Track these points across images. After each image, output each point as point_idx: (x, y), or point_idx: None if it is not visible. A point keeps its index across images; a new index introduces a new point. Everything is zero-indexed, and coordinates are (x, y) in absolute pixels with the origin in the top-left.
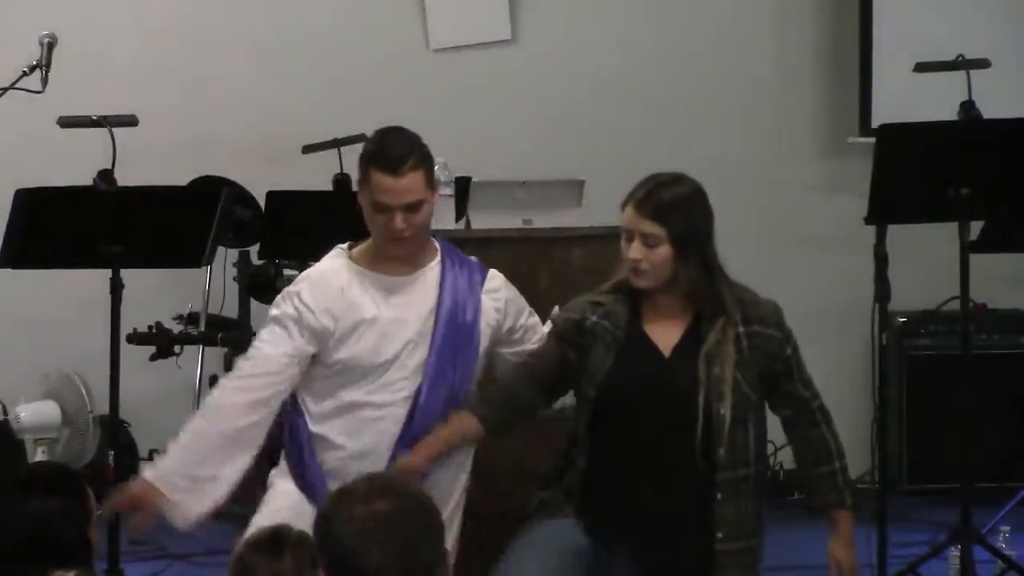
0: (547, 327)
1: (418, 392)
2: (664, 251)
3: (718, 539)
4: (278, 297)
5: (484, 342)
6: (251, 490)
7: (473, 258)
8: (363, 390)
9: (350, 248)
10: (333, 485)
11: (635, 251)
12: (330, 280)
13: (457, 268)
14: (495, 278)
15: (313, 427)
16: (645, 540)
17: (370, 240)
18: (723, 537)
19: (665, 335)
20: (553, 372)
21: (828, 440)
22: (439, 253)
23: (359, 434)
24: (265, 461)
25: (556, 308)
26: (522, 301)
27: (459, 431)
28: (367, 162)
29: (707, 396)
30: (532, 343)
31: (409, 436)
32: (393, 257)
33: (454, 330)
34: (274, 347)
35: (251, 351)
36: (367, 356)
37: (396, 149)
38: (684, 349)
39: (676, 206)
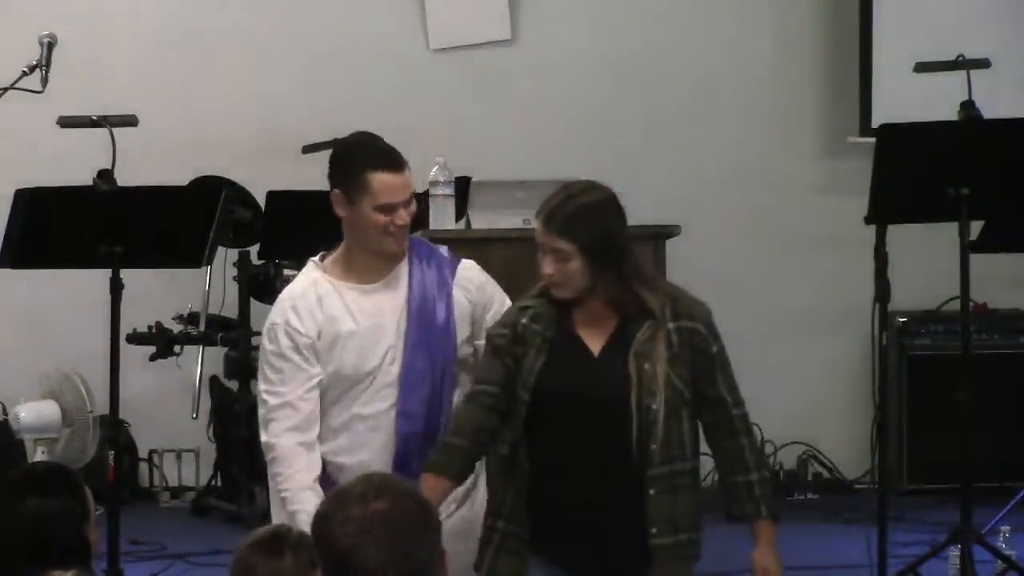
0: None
1: (398, 398)
2: (576, 264)
3: (652, 534)
4: (266, 334)
5: (462, 334)
6: (238, 491)
7: (443, 248)
8: (354, 404)
9: (322, 260)
10: None
11: (548, 266)
12: (308, 296)
13: (424, 264)
14: (467, 268)
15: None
16: (583, 537)
17: (341, 250)
18: (656, 532)
19: (594, 335)
20: (505, 392)
21: (746, 450)
22: (406, 251)
23: (357, 450)
24: (245, 463)
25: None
26: (494, 289)
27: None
28: (362, 169)
29: (639, 393)
30: None
31: (400, 443)
32: (388, 256)
33: (425, 326)
34: (294, 387)
35: (275, 407)
36: (350, 368)
37: (387, 148)
38: (613, 348)
39: (583, 218)
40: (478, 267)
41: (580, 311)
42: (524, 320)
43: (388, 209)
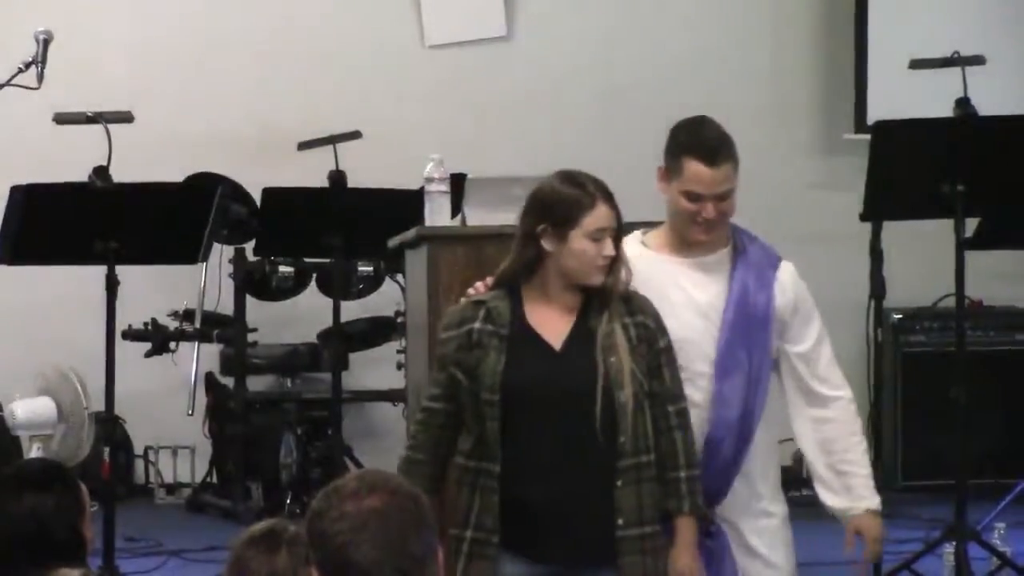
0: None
1: (713, 379)
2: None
3: (618, 525)
4: None
5: (775, 333)
6: (233, 488)
7: (766, 243)
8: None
9: (643, 235)
10: None
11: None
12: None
13: (748, 254)
14: (785, 270)
15: None
16: (554, 531)
17: (663, 226)
18: (623, 523)
19: (552, 328)
20: (454, 406)
21: (679, 446)
22: (731, 239)
23: None
24: (240, 460)
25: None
26: (804, 296)
27: None
28: (682, 151)
29: (607, 385)
30: (798, 345)
31: (716, 429)
32: (694, 243)
33: (744, 318)
34: None
35: None
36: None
37: (712, 140)
38: (575, 341)
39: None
40: (794, 272)
41: (540, 301)
42: (477, 324)
43: (694, 198)
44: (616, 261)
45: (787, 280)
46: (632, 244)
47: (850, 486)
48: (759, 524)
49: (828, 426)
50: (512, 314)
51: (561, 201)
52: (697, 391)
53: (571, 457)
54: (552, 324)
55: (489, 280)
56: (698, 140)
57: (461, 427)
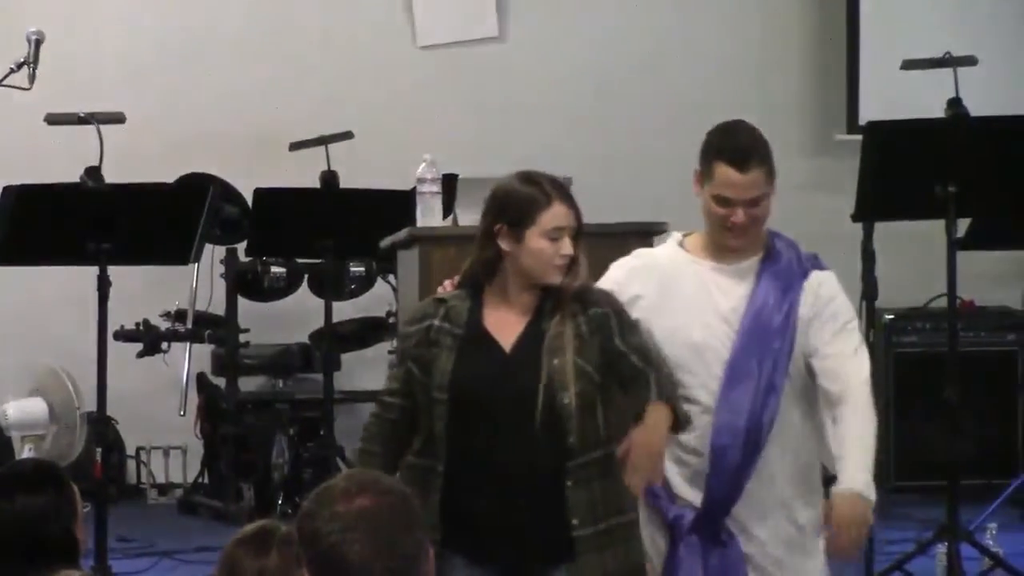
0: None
1: (720, 388)
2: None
3: (573, 525)
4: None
5: (800, 340)
6: (225, 488)
7: (809, 253)
8: (682, 379)
9: (683, 237)
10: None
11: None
12: (658, 263)
13: (779, 262)
14: (819, 278)
15: None
16: (504, 535)
17: (701, 232)
18: (578, 523)
19: (506, 330)
20: (409, 401)
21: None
22: (765, 247)
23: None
24: (232, 460)
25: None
26: (841, 304)
27: None
28: (713, 155)
29: (551, 388)
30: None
31: (720, 435)
32: (726, 248)
33: (760, 327)
34: None
35: None
36: (682, 335)
37: (743, 145)
38: (526, 344)
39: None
40: (834, 281)
41: (500, 302)
42: (436, 322)
43: (724, 202)
44: (574, 261)
45: (814, 290)
46: (669, 245)
47: (839, 468)
48: (781, 531)
49: (839, 423)
50: (469, 315)
51: (517, 200)
52: (710, 396)
53: (515, 459)
54: (507, 326)
55: (456, 278)
56: (729, 144)
57: (416, 423)
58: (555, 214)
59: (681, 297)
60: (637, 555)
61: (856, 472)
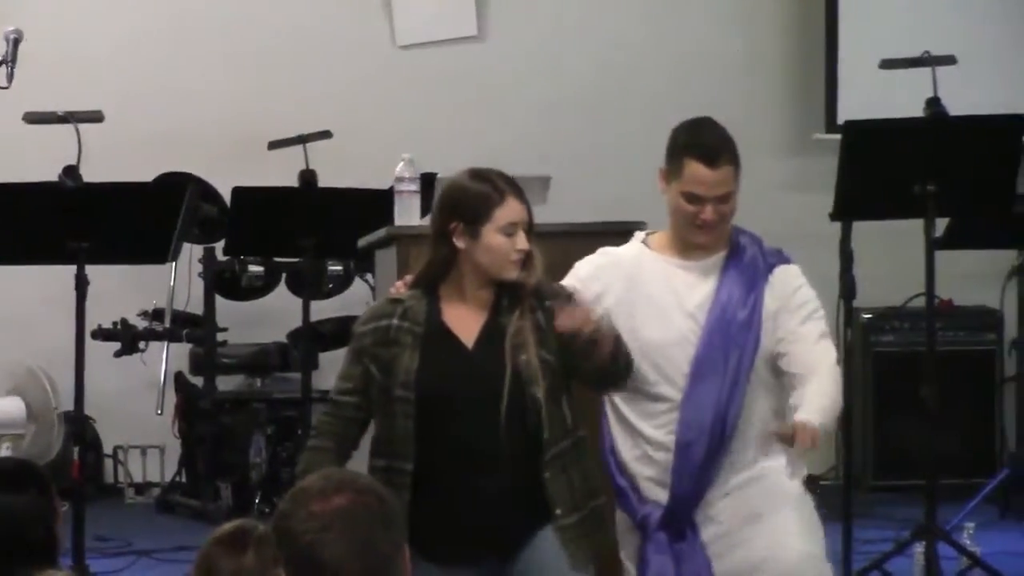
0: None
1: (687, 385)
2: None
3: (556, 515)
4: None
5: (767, 335)
6: (203, 487)
7: (773, 248)
8: (648, 375)
9: (646, 235)
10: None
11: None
12: (622, 261)
13: (743, 258)
14: (784, 271)
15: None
16: (474, 533)
17: (665, 230)
18: (561, 513)
19: (466, 327)
20: (364, 399)
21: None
22: (729, 242)
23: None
24: (210, 460)
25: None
26: (806, 294)
27: None
28: (682, 152)
29: (518, 384)
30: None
31: (686, 431)
32: (693, 245)
33: (726, 322)
34: None
35: None
36: (647, 332)
37: (712, 141)
38: (487, 340)
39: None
40: (797, 272)
41: (456, 299)
42: (395, 321)
43: (694, 199)
44: (529, 256)
45: (779, 283)
46: (632, 244)
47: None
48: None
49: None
50: (428, 313)
51: (471, 197)
52: (677, 392)
53: (482, 456)
54: (466, 322)
55: (409, 278)
56: (698, 141)
57: (368, 422)
58: (509, 210)
59: (647, 294)
60: (612, 535)
61: (811, 411)
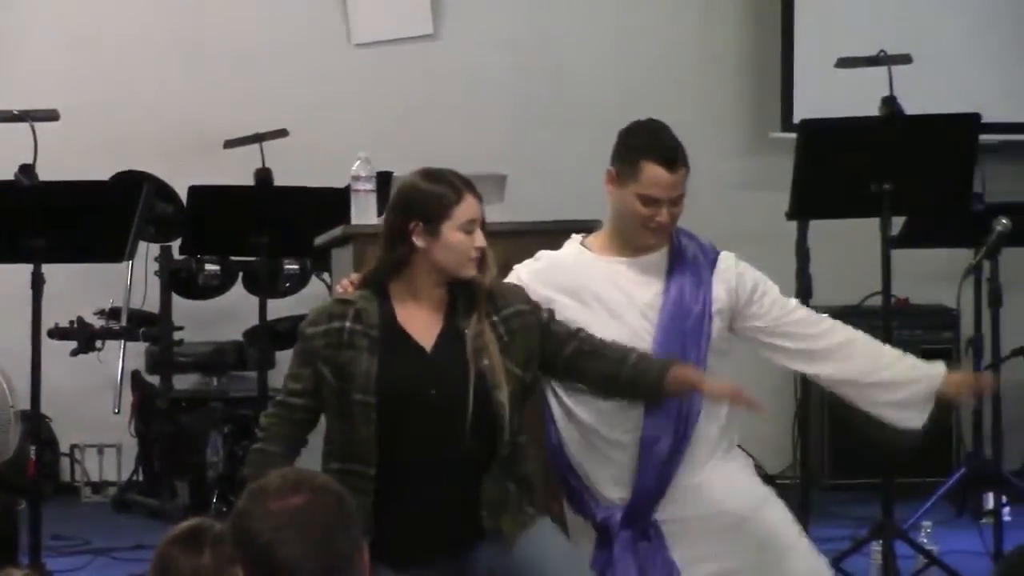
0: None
1: None
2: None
3: (482, 517)
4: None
5: (717, 325)
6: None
7: (702, 241)
8: None
9: (584, 238)
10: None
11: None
12: (562, 264)
13: (686, 253)
14: (725, 259)
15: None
16: (432, 535)
17: (604, 229)
18: (486, 515)
19: (422, 329)
20: (313, 401)
21: (612, 346)
22: (670, 243)
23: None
24: (166, 458)
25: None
26: (754, 273)
27: None
28: (641, 155)
29: (482, 387)
30: (774, 313)
31: (649, 429)
32: (643, 247)
33: (679, 318)
34: None
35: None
36: (601, 333)
37: (671, 144)
38: (446, 343)
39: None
40: (733, 256)
41: (410, 301)
42: (348, 323)
43: (651, 202)
44: (484, 254)
45: (726, 270)
46: (571, 246)
47: (918, 365)
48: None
49: (852, 349)
50: (381, 315)
51: (430, 196)
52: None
53: (445, 458)
54: (421, 324)
55: (355, 277)
56: (657, 144)
57: (316, 423)
58: (467, 207)
59: (594, 296)
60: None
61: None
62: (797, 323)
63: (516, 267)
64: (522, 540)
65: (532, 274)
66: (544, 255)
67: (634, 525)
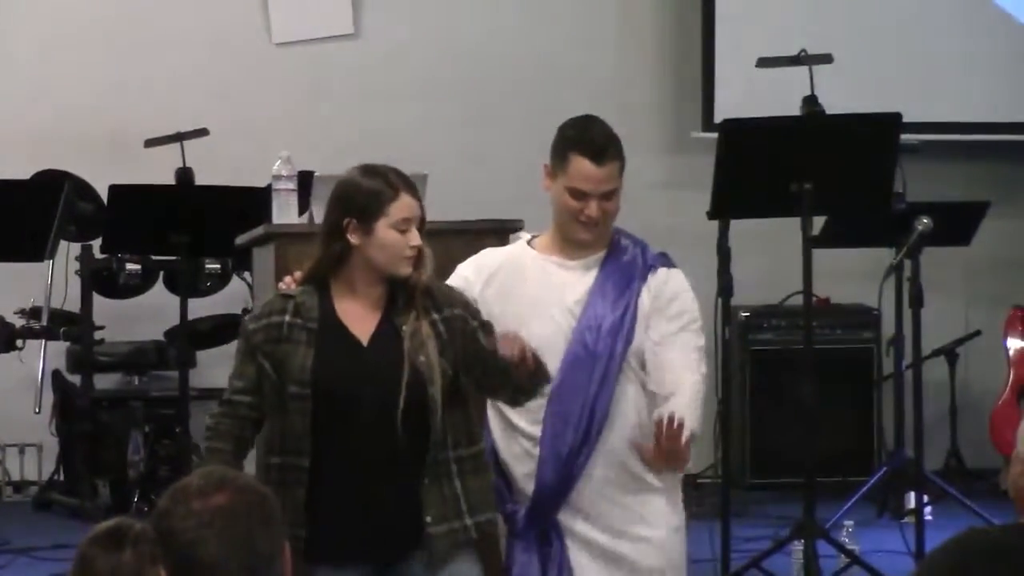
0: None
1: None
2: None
3: (426, 522)
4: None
5: (639, 328)
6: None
7: (657, 251)
8: None
9: (532, 237)
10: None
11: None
12: (503, 260)
13: (621, 258)
14: (663, 275)
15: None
16: (365, 533)
17: (548, 230)
18: (431, 520)
19: (360, 323)
20: (257, 398)
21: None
22: (610, 242)
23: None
24: (87, 458)
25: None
26: (684, 299)
27: None
28: (569, 148)
29: (416, 382)
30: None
31: (555, 422)
32: (576, 242)
33: (595, 318)
34: None
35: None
36: (528, 328)
37: (599, 138)
38: (383, 338)
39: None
40: (680, 279)
41: (348, 296)
42: (287, 317)
43: (579, 195)
44: (420, 253)
45: (658, 286)
46: (516, 244)
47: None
48: (641, 506)
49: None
50: (321, 308)
51: (365, 193)
52: (551, 386)
53: (378, 453)
54: (360, 319)
55: (298, 274)
56: (585, 137)
57: (263, 420)
58: (403, 205)
59: (525, 292)
60: (498, 554)
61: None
62: (660, 364)
63: (460, 264)
64: (451, 568)
65: (475, 269)
66: (488, 251)
67: (536, 523)
